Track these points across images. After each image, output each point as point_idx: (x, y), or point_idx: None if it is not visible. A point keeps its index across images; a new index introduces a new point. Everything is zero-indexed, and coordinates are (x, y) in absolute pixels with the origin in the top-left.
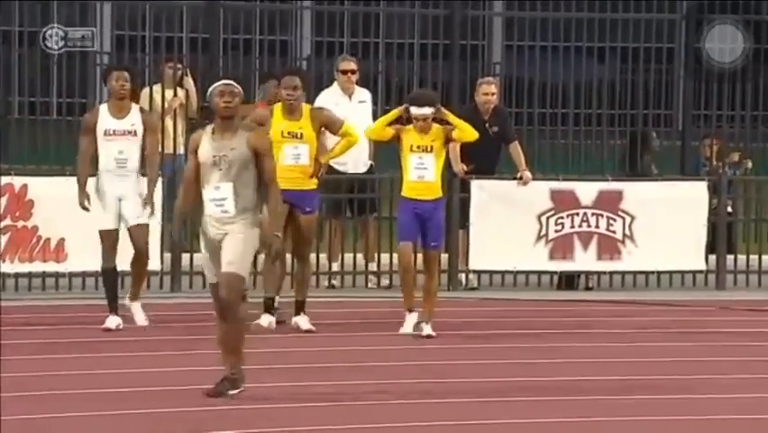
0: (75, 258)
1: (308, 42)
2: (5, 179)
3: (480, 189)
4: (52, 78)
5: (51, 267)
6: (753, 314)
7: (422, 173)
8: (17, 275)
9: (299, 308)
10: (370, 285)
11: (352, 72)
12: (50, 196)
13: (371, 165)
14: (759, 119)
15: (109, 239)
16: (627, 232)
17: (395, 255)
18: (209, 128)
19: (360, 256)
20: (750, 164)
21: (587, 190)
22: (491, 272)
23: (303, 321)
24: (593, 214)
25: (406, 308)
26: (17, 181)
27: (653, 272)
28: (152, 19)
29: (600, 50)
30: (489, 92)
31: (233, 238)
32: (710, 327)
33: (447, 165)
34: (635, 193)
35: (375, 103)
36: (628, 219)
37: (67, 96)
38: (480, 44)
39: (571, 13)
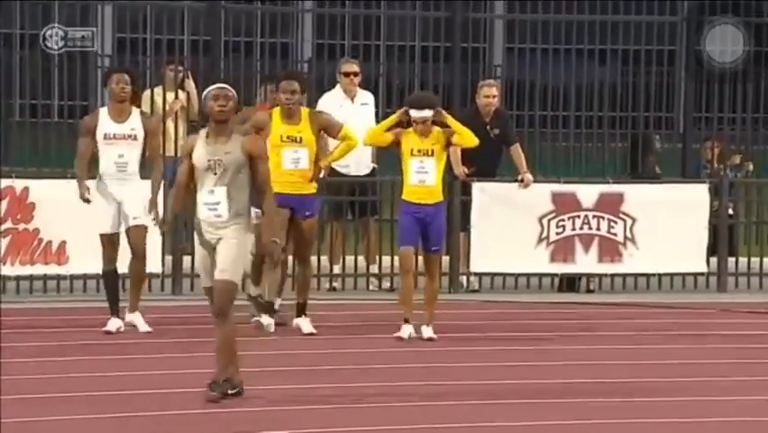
0: (76, 261)
1: (309, 45)
2: (7, 182)
3: (482, 192)
4: (53, 80)
5: (53, 270)
6: (754, 316)
7: (423, 177)
8: (18, 278)
9: (301, 310)
10: (371, 287)
11: (355, 74)
12: (52, 198)
13: (374, 168)
14: (760, 121)
15: (109, 243)
16: (628, 234)
17: (396, 258)
18: (203, 132)
19: (361, 259)
20: (751, 166)
21: (588, 193)
22: (492, 275)
23: (305, 324)
24: (594, 216)
25: (403, 316)
26: (18, 184)
27: (654, 275)
28: (153, 21)
29: (601, 53)
30: (490, 94)
31: (226, 244)
32: (711, 329)
33: (448, 168)
34: (636, 195)
35: (376, 105)
36: (629, 222)
37: (68, 98)
38: (481, 47)
39: (572, 15)
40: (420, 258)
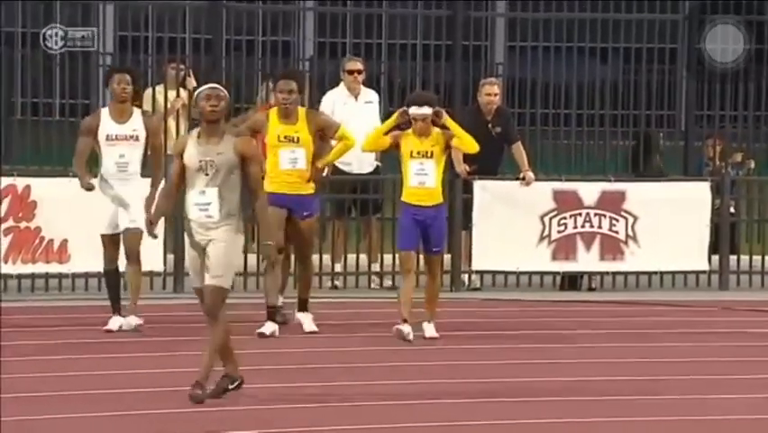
0: (77, 259)
1: (311, 43)
2: (8, 180)
3: (483, 190)
4: (55, 78)
5: (54, 268)
6: (755, 314)
7: (423, 179)
8: (20, 276)
9: (302, 305)
10: (372, 286)
11: (359, 72)
12: (53, 197)
13: (378, 166)
14: (762, 119)
15: (110, 243)
16: (630, 232)
17: (398, 256)
18: (195, 132)
19: (363, 257)
20: (753, 164)
21: (589, 191)
22: (494, 273)
23: (307, 321)
24: (596, 214)
25: (401, 318)
26: (20, 182)
27: (655, 273)
28: (155, 20)
29: (603, 51)
30: (491, 93)
31: (216, 247)
32: (713, 327)
33: (450, 166)
34: (638, 193)
35: (378, 103)
36: (631, 220)
37: (69, 97)
38: (482, 45)
39: (573, 13)
40: (421, 257)
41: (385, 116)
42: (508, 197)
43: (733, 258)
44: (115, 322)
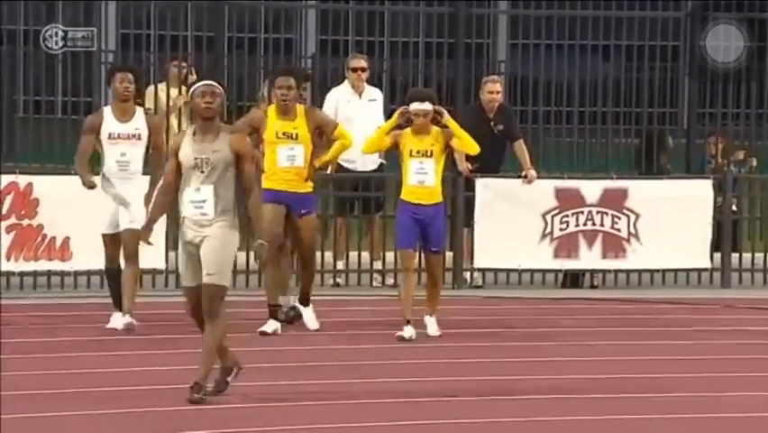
0: (80, 256)
1: (313, 41)
2: (10, 178)
3: (485, 188)
4: (57, 76)
5: (56, 265)
6: (757, 312)
7: (422, 178)
8: (22, 273)
9: (305, 299)
10: (375, 283)
11: (363, 70)
12: (55, 194)
13: (382, 163)
14: (764, 117)
15: (111, 242)
16: (632, 230)
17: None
18: (190, 129)
19: (365, 254)
20: (755, 162)
21: (592, 189)
22: (496, 271)
23: (310, 319)
24: (598, 212)
25: (405, 318)
26: (22, 180)
27: (657, 271)
28: (157, 17)
29: (605, 48)
30: (493, 90)
31: (210, 245)
32: (715, 325)
33: (452, 164)
34: (640, 191)
35: (381, 101)
36: (633, 217)
37: (72, 94)
38: (484, 42)
39: (575, 11)
40: (422, 255)
41: (387, 115)
42: (510, 194)
43: (735, 256)
44: (118, 320)
